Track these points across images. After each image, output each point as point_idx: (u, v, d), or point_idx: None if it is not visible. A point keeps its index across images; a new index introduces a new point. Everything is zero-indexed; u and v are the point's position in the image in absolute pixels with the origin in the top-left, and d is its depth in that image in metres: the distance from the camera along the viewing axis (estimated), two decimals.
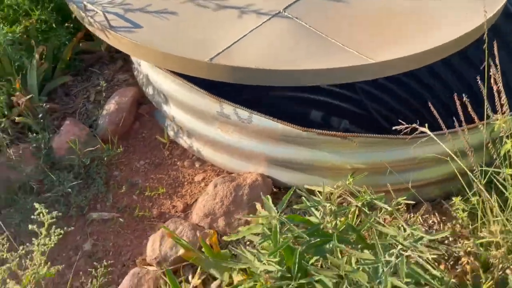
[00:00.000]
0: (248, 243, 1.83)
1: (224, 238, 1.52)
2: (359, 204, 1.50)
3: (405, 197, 1.55)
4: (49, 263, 1.41)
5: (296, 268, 1.26)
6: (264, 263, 1.22)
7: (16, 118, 2.07)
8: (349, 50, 1.78)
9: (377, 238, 1.21)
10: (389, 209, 1.50)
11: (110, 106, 2.22)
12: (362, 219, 1.60)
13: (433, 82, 2.54)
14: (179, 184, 2.11)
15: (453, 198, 1.69)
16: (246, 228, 1.38)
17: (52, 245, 1.36)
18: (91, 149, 2.07)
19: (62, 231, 1.41)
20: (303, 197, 1.48)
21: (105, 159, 2.13)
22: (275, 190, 1.98)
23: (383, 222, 1.51)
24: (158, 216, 2.00)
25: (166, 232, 1.62)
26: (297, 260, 1.28)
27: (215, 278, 1.67)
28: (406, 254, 1.17)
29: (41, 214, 1.40)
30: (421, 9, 1.96)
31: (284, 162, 1.86)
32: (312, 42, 1.82)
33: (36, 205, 1.43)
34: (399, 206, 1.60)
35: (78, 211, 2.00)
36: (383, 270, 1.12)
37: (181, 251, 1.68)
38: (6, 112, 2.10)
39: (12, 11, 2.25)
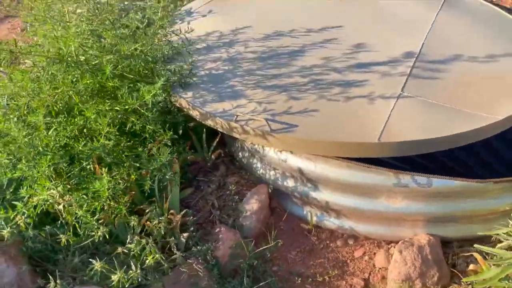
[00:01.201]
0: None
1: None
2: None
3: None
4: None
5: None
6: None
7: (183, 235, 2.11)
8: (476, 113, 2.14)
9: None
10: None
11: (252, 206, 2.34)
12: None
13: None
14: (342, 264, 2.22)
15: None
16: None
17: None
18: (259, 249, 2.14)
19: None
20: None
21: (268, 256, 2.20)
22: None
23: None
24: None
25: None
26: None
27: None
28: None
29: None
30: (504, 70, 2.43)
31: (447, 217, 2.09)
32: (442, 112, 2.16)
33: None
34: None
35: None
36: None
37: None
38: (163, 232, 2.13)
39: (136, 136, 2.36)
